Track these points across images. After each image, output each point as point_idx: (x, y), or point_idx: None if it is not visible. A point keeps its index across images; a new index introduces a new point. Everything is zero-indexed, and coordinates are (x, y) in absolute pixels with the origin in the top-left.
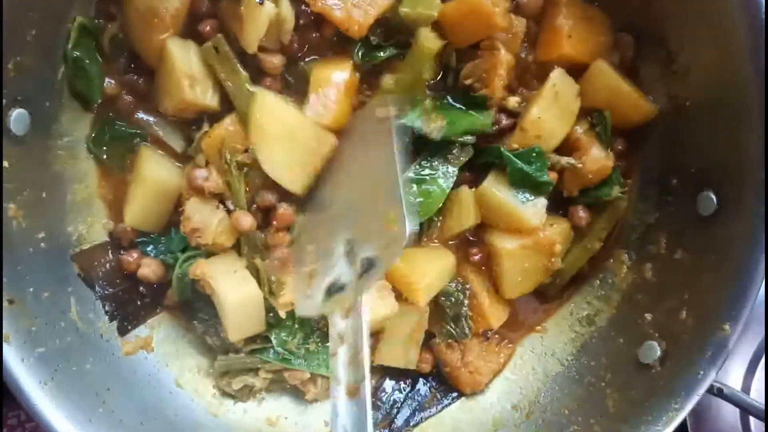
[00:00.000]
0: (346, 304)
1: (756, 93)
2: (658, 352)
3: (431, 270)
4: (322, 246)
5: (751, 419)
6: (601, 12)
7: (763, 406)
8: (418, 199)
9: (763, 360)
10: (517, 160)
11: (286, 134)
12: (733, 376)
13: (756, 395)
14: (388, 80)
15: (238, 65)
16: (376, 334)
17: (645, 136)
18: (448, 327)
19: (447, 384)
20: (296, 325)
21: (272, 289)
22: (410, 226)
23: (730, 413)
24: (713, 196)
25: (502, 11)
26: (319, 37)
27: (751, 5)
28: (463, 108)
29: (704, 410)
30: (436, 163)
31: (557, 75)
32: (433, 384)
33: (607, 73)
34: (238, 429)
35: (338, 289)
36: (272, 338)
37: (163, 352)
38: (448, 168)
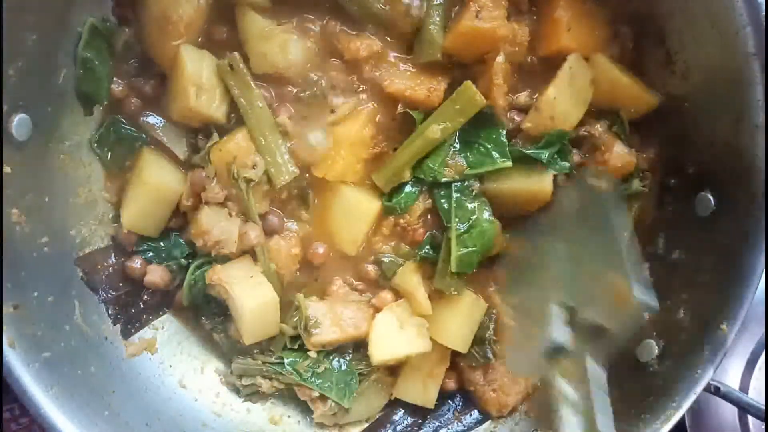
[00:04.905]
0: (571, 370)
1: (756, 94)
2: (656, 351)
3: (469, 322)
4: (535, 307)
5: (750, 418)
6: (598, 5)
7: (759, 405)
8: (474, 248)
9: (761, 359)
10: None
11: None
12: (731, 374)
13: (754, 394)
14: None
15: (252, 83)
16: (397, 368)
17: (646, 134)
18: (471, 350)
19: (472, 406)
20: (311, 354)
21: (308, 326)
22: (653, 302)
23: (728, 412)
24: (711, 197)
25: (501, 23)
26: None
27: (752, 5)
28: (480, 140)
29: (703, 409)
30: (462, 200)
31: (574, 58)
32: (458, 407)
33: (605, 66)
34: (241, 428)
35: (557, 350)
36: (284, 357)
37: (166, 353)
38: (476, 201)
